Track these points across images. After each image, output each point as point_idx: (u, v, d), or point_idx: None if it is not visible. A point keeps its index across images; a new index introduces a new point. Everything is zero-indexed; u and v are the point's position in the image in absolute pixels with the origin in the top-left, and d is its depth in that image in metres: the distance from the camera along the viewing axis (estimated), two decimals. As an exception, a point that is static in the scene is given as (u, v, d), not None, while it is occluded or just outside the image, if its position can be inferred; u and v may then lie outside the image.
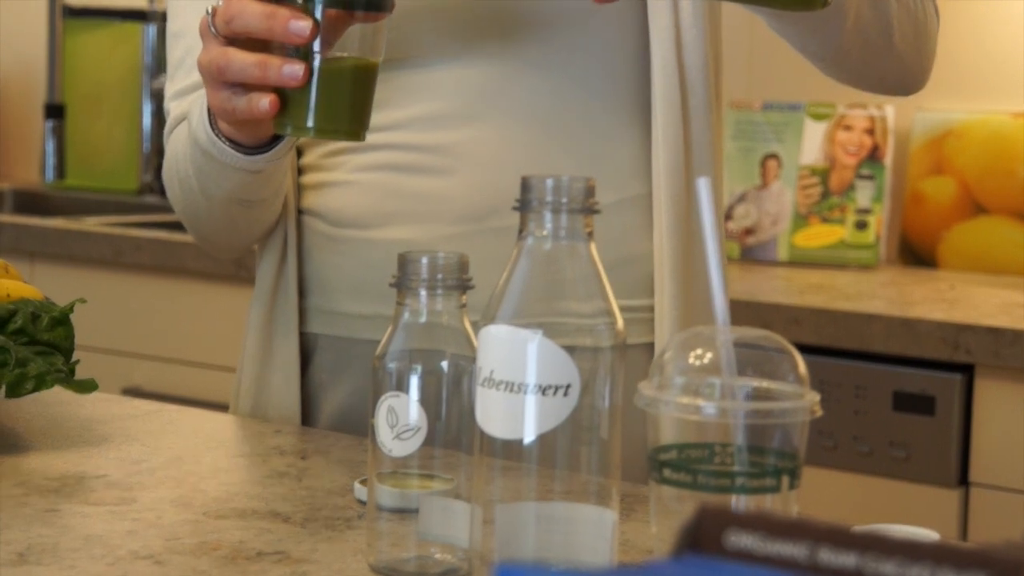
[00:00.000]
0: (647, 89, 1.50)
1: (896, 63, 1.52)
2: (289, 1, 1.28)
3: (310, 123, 1.30)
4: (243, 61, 1.29)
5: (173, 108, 1.57)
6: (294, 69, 1.28)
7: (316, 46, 1.28)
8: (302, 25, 1.27)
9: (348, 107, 1.31)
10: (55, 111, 3.62)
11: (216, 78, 1.31)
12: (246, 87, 1.30)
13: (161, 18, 3.54)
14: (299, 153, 1.57)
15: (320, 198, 1.54)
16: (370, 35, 1.31)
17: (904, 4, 1.48)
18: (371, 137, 1.36)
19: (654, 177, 1.49)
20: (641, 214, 1.51)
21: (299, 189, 1.56)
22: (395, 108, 1.49)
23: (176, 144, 1.53)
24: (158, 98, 3.53)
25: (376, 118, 1.36)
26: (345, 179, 1.53)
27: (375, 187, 1.51)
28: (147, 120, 3.57)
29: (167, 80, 1.60)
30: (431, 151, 1.49)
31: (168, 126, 1.57)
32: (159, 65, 3.54)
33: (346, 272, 1.53)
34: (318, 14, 1.28)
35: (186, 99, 1.54)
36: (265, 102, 1.29)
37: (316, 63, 1.29)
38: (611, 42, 1.49)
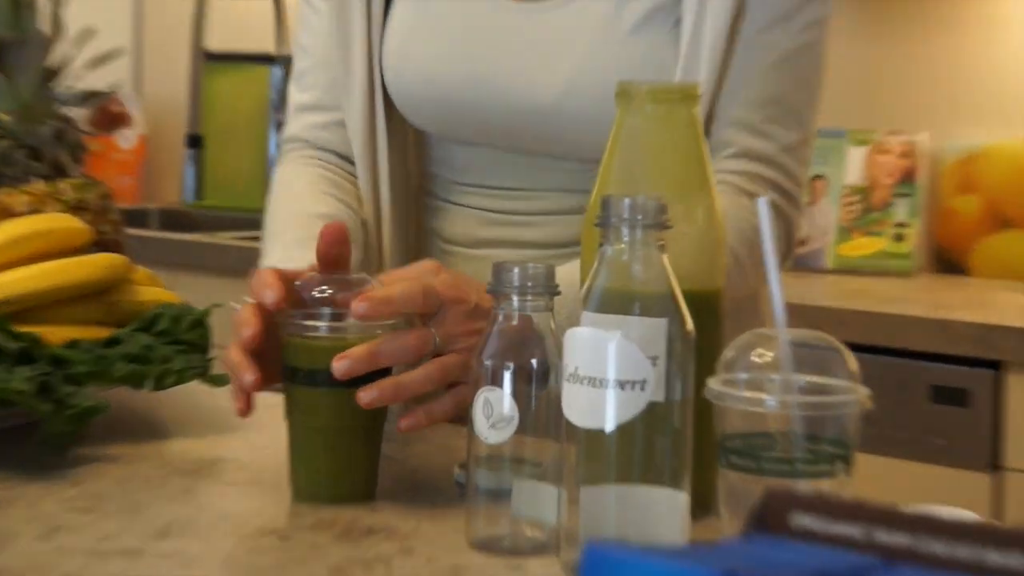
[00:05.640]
0: None
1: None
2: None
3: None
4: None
5: (291, 121, 1.63)
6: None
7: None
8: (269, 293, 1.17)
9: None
10: (195, 141, 3.63)
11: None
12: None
13: (286, 61, 3.55)
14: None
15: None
16: (344, 401, 1.17)
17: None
18: None
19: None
20: None
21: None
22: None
23: (282, 185, 1.57)
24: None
25: None
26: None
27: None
28: (273, 149, 3.57)
29: (291, 84, 1.64)
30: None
31: (285, 138, 1.63)
32: (284, 102, 3.54)
33: None
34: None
35: (300, 120, 1.61)
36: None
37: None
38: None
